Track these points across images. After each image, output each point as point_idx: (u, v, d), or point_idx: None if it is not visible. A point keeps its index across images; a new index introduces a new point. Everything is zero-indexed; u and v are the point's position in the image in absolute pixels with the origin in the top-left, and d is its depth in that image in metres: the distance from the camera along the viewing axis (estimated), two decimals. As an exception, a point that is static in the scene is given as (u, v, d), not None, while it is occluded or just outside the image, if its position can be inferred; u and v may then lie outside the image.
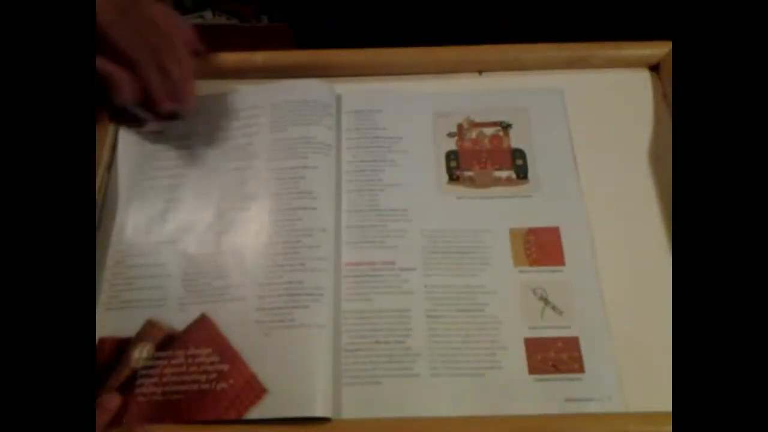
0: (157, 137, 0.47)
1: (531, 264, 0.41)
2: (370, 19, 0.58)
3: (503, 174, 0.45)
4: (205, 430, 0.36)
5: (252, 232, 0.42)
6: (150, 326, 0.40)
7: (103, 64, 0.40)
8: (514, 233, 0.42)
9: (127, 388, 0.38)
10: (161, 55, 0.41)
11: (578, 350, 0.38)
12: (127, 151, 0.46)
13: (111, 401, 0.37)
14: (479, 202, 0.44)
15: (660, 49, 0.49)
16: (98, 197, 0.44)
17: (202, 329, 0.39)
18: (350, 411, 0.37)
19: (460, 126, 0.47)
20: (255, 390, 0.37)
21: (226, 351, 0.38)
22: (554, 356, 0.38)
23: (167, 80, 0.42)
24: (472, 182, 0.45)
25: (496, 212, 0.43)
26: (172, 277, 0.41)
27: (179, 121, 0.47)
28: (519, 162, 0.45)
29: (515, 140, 0.46)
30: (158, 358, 0.39)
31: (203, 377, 0.37)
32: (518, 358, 0.38)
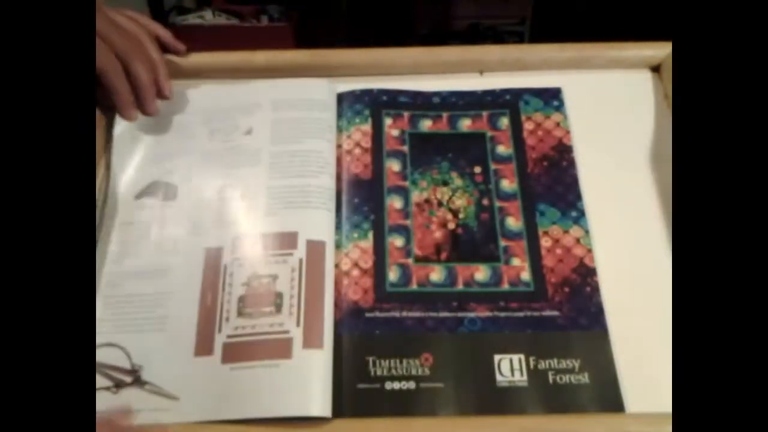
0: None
1: (531, 263, 0.41)
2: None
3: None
4: (206, 429, 0.36)
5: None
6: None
7: None
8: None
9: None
10: (128, 60, 0.42)
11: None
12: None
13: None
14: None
15: (661, 50, 0.48)
16: (98, 197, 0.44)
17: None
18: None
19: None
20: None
21: None
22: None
23: (137, 86, 0.43)
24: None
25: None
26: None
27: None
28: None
29: None
30: None
31: None
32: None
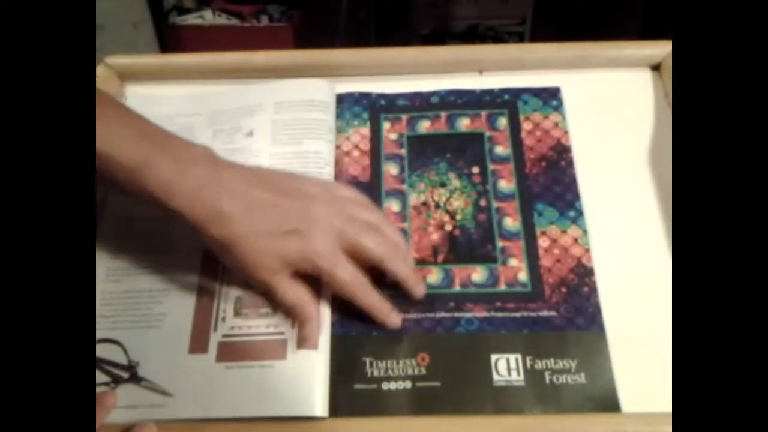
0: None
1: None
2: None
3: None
4: (205, 429, 0.36)
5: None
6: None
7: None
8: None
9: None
10: (385, 264, 0.38)
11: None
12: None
13: (108, 398, 0.37)
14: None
15: (662, 49, 0.48)
16: (99, 193, 0.45)
17: None
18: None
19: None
20: None
21: None
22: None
23: (399, 281, 0.39)
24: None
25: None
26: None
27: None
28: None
29: None
30: None
31: None
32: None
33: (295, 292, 0.38)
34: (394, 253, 0.39)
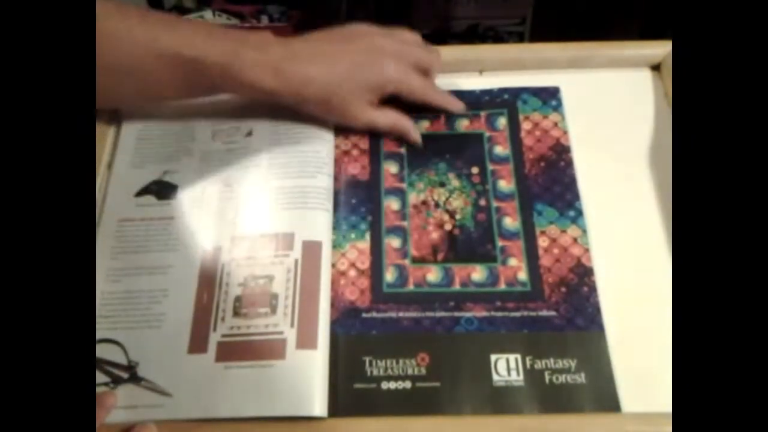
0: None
1: (530, 264, 0.41)
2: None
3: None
4: (205, 429, 0.36)
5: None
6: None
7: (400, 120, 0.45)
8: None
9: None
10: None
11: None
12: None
13: (107, 398, 0.37)
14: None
15: (662, 49, 0.48)
16: (99, 194, 0.44)
17: None
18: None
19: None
20: None
21: None
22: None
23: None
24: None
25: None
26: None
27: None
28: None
29: None
30: None
31: None
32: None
33: (387, 116, 0.45)
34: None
